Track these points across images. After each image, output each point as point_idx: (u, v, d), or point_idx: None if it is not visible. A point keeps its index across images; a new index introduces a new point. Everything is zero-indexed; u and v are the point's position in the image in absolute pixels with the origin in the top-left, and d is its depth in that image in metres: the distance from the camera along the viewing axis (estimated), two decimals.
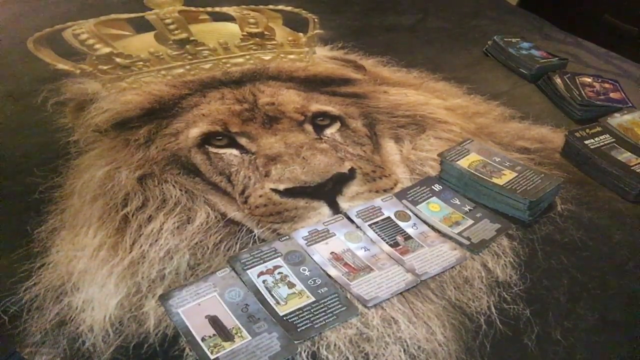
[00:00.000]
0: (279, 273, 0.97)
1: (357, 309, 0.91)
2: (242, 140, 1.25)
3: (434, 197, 1.17)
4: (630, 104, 1.59)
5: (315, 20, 1.90)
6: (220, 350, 0.83)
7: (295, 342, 0.85)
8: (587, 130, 1.38)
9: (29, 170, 1.17)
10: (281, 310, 0.90)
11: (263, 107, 1.35)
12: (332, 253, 1.02)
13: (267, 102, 1.37)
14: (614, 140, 1.37)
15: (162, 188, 1.13)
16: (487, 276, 1.00)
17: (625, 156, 1.31)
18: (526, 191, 1.14)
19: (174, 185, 1.15)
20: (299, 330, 0.87)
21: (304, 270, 0.98)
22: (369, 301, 0.92)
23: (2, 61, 1.61)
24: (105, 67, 1.51)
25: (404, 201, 1.15)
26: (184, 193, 1.13)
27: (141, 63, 1.54)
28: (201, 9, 1.89)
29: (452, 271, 1.00)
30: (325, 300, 0.92)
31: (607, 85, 1.66)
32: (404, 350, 0.85)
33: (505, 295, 0.96)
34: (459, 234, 1.08)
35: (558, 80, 1.64)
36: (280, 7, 1.97)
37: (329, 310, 0.90)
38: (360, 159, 1.24)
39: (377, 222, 1.09)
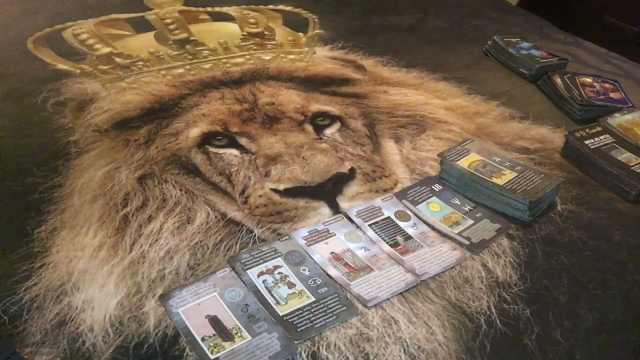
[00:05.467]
0: (279, 273, 0.97)
1: (357, 309, 0.91)
2: (242, 140, 1.25)
3: (434, 197, 1.17)
4: (630, 104, 1.59)
5: (315, 20, 1.90)
6: (220, 350, 0.83)
7: (295, 342, 0.85)
8: (587, 130, 1.38)
9: (29, 170, 1.17)
10: (281, 310, 0.90)
11: (263, 107, 1.35)
12: (332, 253, 1.02)
13: (267, 102, 1.37)
14: (614, 140, 1.37)
15: (162, 188, 1.13)
16: (487, 276, 1.00)
17: (625, 156, 1.31)
18: (526, 191, 1.14)
19: (174, 185, 1.15)
20: (299, 330, 0.87)
21: (304, 270, 0.98)
22: (369, 301, 0.92)
23: (2, 61, 1.61)
24: (105, 67, 1.51)
25: (404, 201, 1.15)
26: (184, 193, 1.13)
27: (141, 63, 1.54)
28: (201, 9, 1.90)
29: (452, 271, 1.00)
30: (325, 300, 0.92)
31: (607, 85, 1.66)
32: (404, 350, 0.85)
33: (505, 295, 0.96)
34: (459, 234, 1.08)
35: (558, 80, 1.64)
36: (280, 7, 1.97)
37: (329, 310, 0.90)
38: (360, 159, 1.24)
39: (377, 222, 1.09)
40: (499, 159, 1.24)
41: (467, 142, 1.29)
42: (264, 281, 0.95)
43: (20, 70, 1.56)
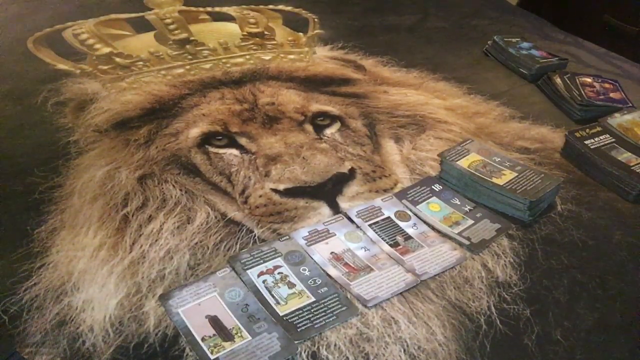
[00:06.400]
0: (279, 273, 0.97)
1: (357, 309, 0.91)
2: (242, 140, 1.25)
3: (434, 197, 1.17)
4: (630, 104, 1.59)
5: (315, 20, 1.90)
6: (220, 350, 0.83)
7: (295, 342, 0.85)
8: (587, 130, 1.38)
9: (29, 170, 1.17)
10: (281, 310, 0.90)
11: (263, 107, 1.35)
12: (332, 253, 1.02)
13: (267, 102, 1.37)
14: (614, 140, 1.37)
15: (162, 188, 1.13)
16: (487, 276, 1.00)
17: (625, 156, 1.31)
18: (526, 191, 1.14)
19: (174, 185, 1.15)
20: (299, 330, 0.87)
21: (304, 270, 0.98)
22: (369, 301, 0.92)
23: (2, 61, 1.61)
24: (105, 67, 1.51)
25: (404, 201, 1.15)
26: (184, 193, 1.13)
27: (141, 63, 1.54)
28: (201, 9, 1.90)
29: (452, 271, 1.00)
30: (325, 300, 0.92)
31: (607, 85, 1.66)
32: (404, 350, 0.85)
33: (505, 295, 0.96)
34: (459, 234, 1.08)
35: (558, 80, 1.64)
36: (280, 7, 1.97)
37: (329, 310, 0.90)
38: (360, 159, 1.24)
39: (377, 222, 1.09)
40: (499, 159, 1.24)
41: (467, 142, 1.29)
42: (264, 281, 0.95)
43: (20, 70, 1.56)
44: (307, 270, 0.98)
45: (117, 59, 1.54)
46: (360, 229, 1.08)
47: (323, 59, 1.68)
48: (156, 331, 0.86)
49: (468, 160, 1.22)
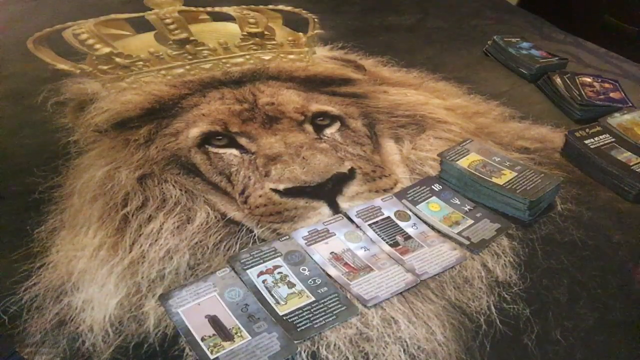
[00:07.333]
0: (278, 273, 0.97)
1: (357, 309, 0.91)
2: (242, 140, 1.25)
3: (434, 197, 1.17)
4: (630, 104, 1.59)
5: (315, 20, 1.90)
6: (220, 350, 0.83)
7: (295, 341, 0.85)
8: (587, 130, 1.38)
9: (29, 170, 1.17)
10: (281, 310, 0.90)
11: (263, 107, 1.35)
12: (332, 253, 1.02)
13: (267, 102, 1.37)
14: (614, 140, 1.37)
15: (162, 188, 1.13)
16: (487, 276, 1.00)
17: (625, 156, 1.31)
18: (526, 191, 1.14)
19: (174, 185, 1.15)
20: (298, 330, 0.87)
21: (304, 270, 0.98)
22: (368, 301, 0.92)
23: (2, 61, 1.61)
24: (105, 67, 1.51)
25: (404, 201, 1.15)
26: (184, 193, 1.13)
27: (141, 63, 1.54)
28: (201, 9, 1.90)
29: (452, 271, 1.00)
30: (325, 300, 0.92)
31: (607, 85, 1.66)
32: (404, 350, 0.85)
33: (505, 295, 0.96)
34: (459, 233, 1.08)
35: (558, 80, 1.64)
36: (280, 7, 1.97)
37: (329, 310, 0.90)
38: (360, 158, 1.24)
39: (377, 222, 1.09)
40: (499, 159, 1.24)
41: (467, 142, 1.29)
42: (263, 281, 0.95)
43: (20, 70, 1.56)
44: (307, 270, 0.98)
45: (117, 59, 1.54)
46: (360, 229, 1.08)
47: (323, 59, 1.68)
48: (156, 331, 0.86)
49: (468, 160, 1.22)
